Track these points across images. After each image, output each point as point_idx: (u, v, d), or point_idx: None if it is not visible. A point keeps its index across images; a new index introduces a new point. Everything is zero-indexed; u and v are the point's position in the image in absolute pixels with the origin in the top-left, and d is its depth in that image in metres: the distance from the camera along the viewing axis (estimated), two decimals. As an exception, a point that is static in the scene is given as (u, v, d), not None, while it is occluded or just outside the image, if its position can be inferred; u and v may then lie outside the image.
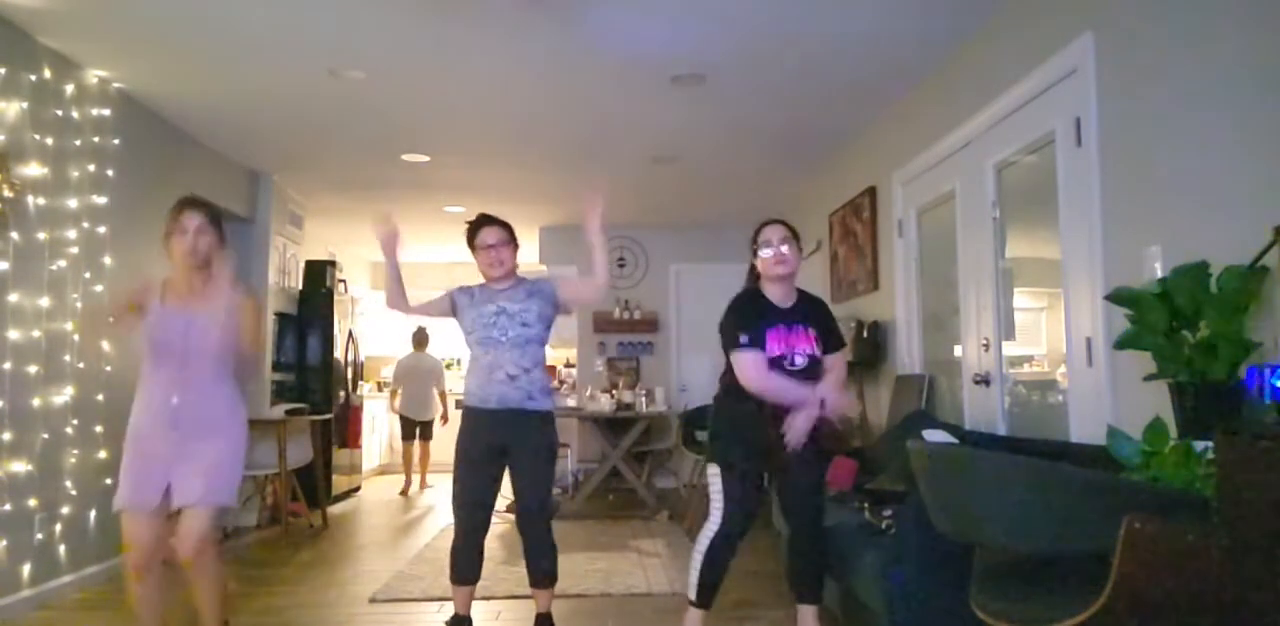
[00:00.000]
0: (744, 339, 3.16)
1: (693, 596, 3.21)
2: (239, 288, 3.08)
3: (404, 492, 8.25)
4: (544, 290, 3.47)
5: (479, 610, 3.98)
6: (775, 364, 3.18)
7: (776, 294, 3.28)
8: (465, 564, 3.40)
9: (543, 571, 3.40)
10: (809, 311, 3.31)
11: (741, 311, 3.26)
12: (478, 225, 3.51)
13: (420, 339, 8.65)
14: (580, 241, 9.11)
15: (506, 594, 4.20)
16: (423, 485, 8.56)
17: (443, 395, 8.62)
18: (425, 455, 8.60)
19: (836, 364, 3.32)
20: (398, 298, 3.44)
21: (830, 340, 3.31)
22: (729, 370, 3.26)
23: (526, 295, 3.42)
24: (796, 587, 3.30)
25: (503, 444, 3.32)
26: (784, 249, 3.23)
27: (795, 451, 3.13)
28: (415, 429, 8.51)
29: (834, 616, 3.56)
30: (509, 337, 3.34)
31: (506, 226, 3.52)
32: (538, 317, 3.40)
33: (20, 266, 3.93)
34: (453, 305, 3.48)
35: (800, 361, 3.20)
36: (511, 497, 3.46)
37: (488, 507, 3.37)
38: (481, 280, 3.52)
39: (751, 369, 3.15)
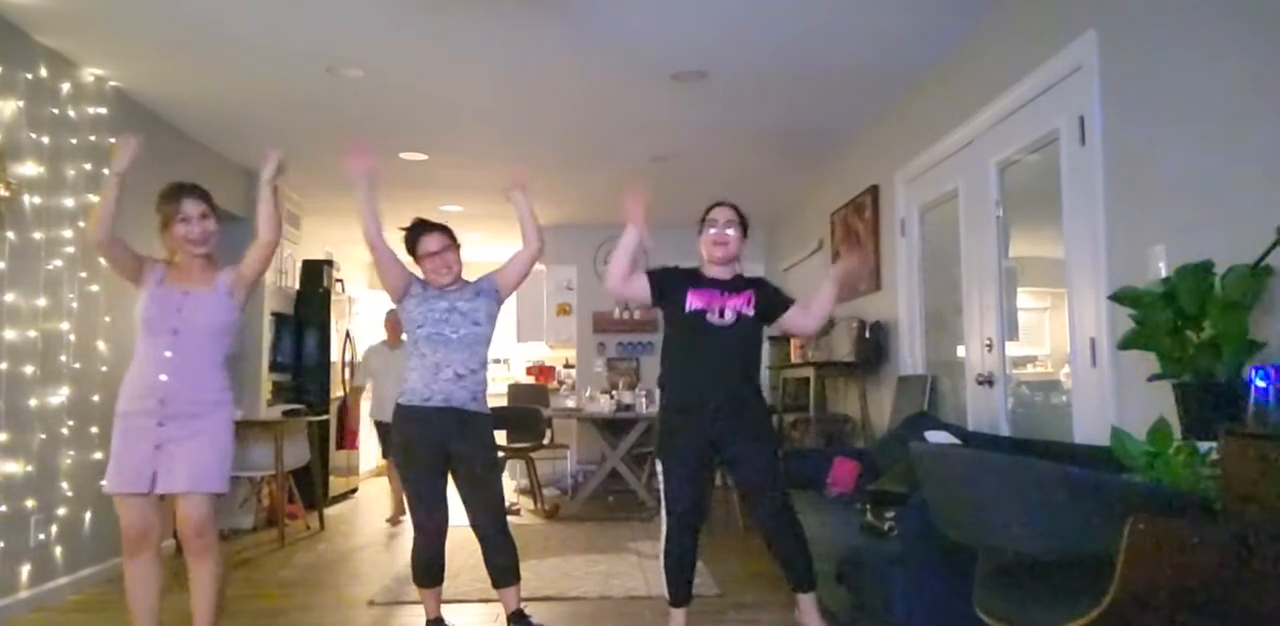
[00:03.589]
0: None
1: (667, 596, 3.25)
2: (229, 266, 3.09)
3: (394, 520, 6.53)
4: (487, 288, 3.44)
5: (480, 611, 3.96)
6: (699, 318, 3.18)
7: (715, 270, 3.31)
8: (431, 567, 3.37)
9: (504, 570, 3.35)
10: (747, 283, 3.32)
11: (661, 267, 3.36)
12: (416, 232, 3.42)
13: (395, 324, 6.57)
14: (579, 240, 9.07)
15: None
16: (397, 515, 6.50)
17: None
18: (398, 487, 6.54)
19: (802, 309, 3.31)
20: (375, 226, 3.33)
21: (775, 303, 3.29)
22: (665, 367, 3.31)
23: (475, 294, 3.39)
24: (786, 577, 3.27)
25: (445, 444, 3.27)
26: (729, 231, 3.26)
27: (741, 442, 3.17)
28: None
29: (837, 618, 3.54)
30: (459, 336, 3.30)
31: (447, 230, 3.45)
32: (487, 317, 3.39)
33: (16, 266, 3.91)
34: (407, 288, 3.37)
35: (729, 316, 3.18)
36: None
37: (445, 508, 3.33)
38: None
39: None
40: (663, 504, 3.24)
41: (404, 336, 3.35)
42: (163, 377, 2.87)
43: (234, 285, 3.04)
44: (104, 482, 2.92)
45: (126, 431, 2.89)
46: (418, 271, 3.45)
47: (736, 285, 3.29)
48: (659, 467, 3.27)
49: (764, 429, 3.28)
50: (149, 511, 2.90)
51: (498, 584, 3.38)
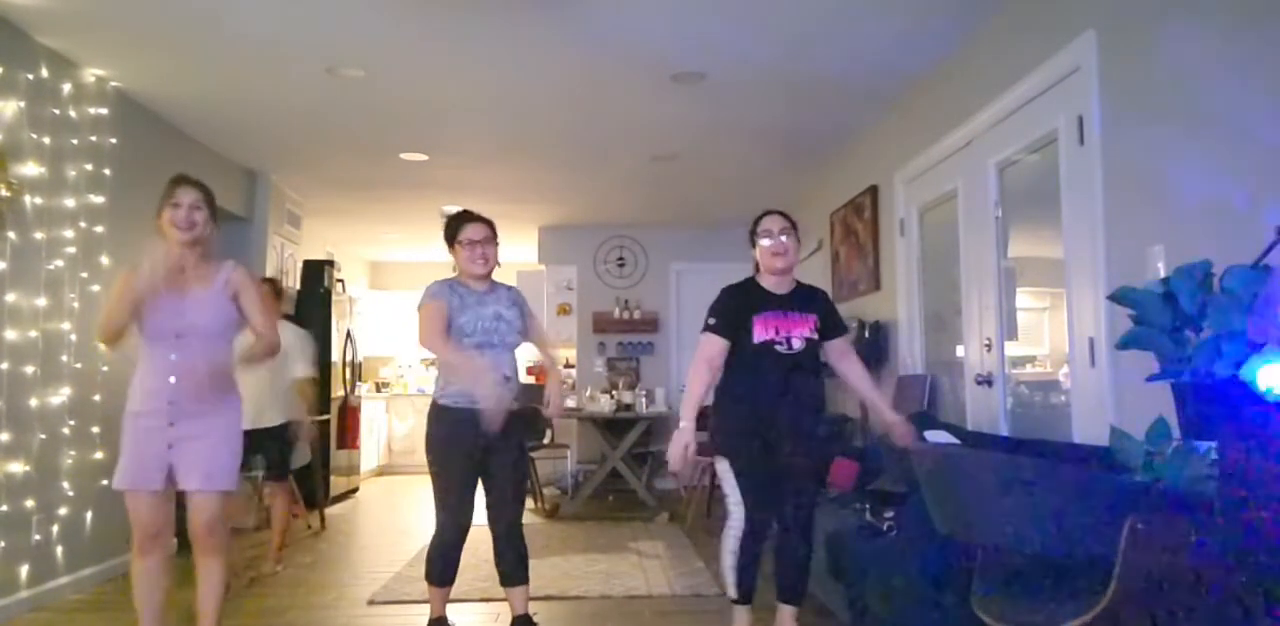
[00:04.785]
0: (711, 321, 3.26)
1: (733, 594, 3.23)
2: (232, 266, 3.05)
3: (276, 558, 4.74)
4: (521, 304, 3.50)
5: (481, 610, 3.97)
6: (767, 348, 3.19)
7: (772, 282, 3.31)
8: (447, 565, 3.37)
9: (517, 571, 3.38)
10: (808, 298, 3.33)
11: (725, 297, 3.32)
12: (461, 220, 3.45)
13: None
14: (579, 240, 9.04)
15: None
16: (277, 557, 4.74)
17: (305, 392, 4.92)
18: (284, 514, 4.81)
19: (847, 350, 3.37)
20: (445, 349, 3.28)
21: (831, 325, 3.32)
22: (729, 364, 3.28)
23: (511, 302, 3.44)
24: (778, 586, 3.27)
25: (488, 444, 3.30)
26: (784, 239, 3.27)
27: (793, 451, 3.15)
28: (255, 452, 4.57)
29: (836, 618, 3.54)
30: (505, 343, 3.37)
31: (490, 223, 3.47)
32: (522, 326, 3.45)
33: (17, 266, 3.91)
34: (447, 305, 3.34)
35: (798, 344, 3.22)
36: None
37: (473, 508, 3.36)
38: (450, 276, 3.46)
39: (703, 350, 3.25)
40: (735, 504, 3.20)
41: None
42: (171, 379, 2.88)
43: (233, 290, 3.00)
44: (106, 481, 2.91)
45: (137, 431, 2.90)
46: (454, 257, 3.46)
47: (798, 302, 3.28)
48: (723, 467, 3.25)
49: (815, 446, 3.29)
50: (162, 509, 2.92)
51: (507, 582, 3.39)
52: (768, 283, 3.31)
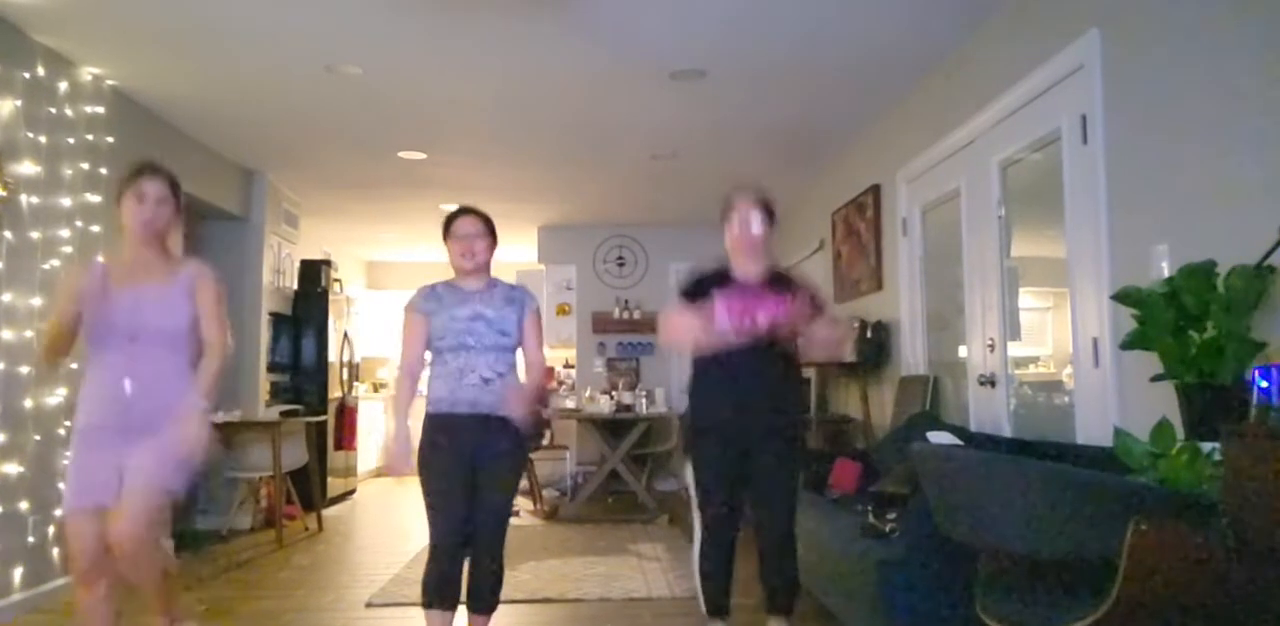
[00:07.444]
0: (675, 299, 3.09)
1: (701, 608, 3.12)
2: (197, 265, 2.84)
3: None
4: (523, 303, 3.21)
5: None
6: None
7: (742, 265, 3.12)
8: (443, 585, 3.02)
9: (486, 596, 3.12)
10: (781, 281, 3.13)
11: (690, 273, 3.15)
12: (456, 214, 3.26)
13: None
14: (579, 239, 9.02)
15: (504, 598, 4.14)
16: None
17: None
18: None
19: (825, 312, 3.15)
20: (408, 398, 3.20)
21: (811, 303, 3.09)
22: (695, 376, 3.14)
23: (504, 301, 3.17)
24: (765, 595, 3.11)
25: (472, 453, 3.04)
26: (753, 221, 3.07)
27: (767, 448, 3.00)
28: None
29: (837, 620, 3.52)
30: (484, 345, 3.08)
31: (486, 220, 3.26)
32: (515, 326, 3.15)
33: (13, 265, 3.89)
34: (426, 318, 3.14)
35: (764, 322, 2.98)
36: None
37: (467, 520, 3.04)
38: (448, 276, 3.29)
39: (667, 317, 3.05)
40: (694, 506, 3.10)
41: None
42: (126, 384, 2.64)
43: (195, 288, 2.78)
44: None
45: (89, 446, 2.65)
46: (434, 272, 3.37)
47: (769, 286, 3.08)
48: (688, 469, 3.15)
49: (792, 447, 3.12)
50: (105, 531, 2.59)
51: (474, 609, 3.11)
52: (738, 265, 3.12)
